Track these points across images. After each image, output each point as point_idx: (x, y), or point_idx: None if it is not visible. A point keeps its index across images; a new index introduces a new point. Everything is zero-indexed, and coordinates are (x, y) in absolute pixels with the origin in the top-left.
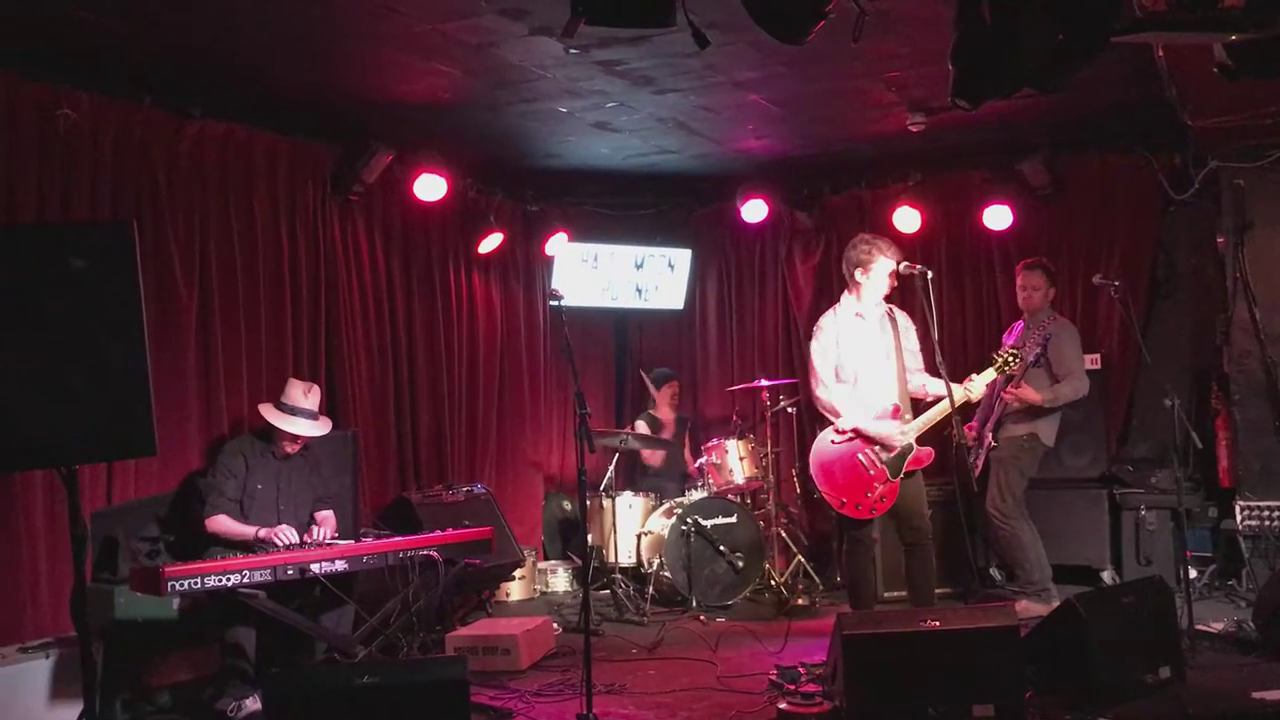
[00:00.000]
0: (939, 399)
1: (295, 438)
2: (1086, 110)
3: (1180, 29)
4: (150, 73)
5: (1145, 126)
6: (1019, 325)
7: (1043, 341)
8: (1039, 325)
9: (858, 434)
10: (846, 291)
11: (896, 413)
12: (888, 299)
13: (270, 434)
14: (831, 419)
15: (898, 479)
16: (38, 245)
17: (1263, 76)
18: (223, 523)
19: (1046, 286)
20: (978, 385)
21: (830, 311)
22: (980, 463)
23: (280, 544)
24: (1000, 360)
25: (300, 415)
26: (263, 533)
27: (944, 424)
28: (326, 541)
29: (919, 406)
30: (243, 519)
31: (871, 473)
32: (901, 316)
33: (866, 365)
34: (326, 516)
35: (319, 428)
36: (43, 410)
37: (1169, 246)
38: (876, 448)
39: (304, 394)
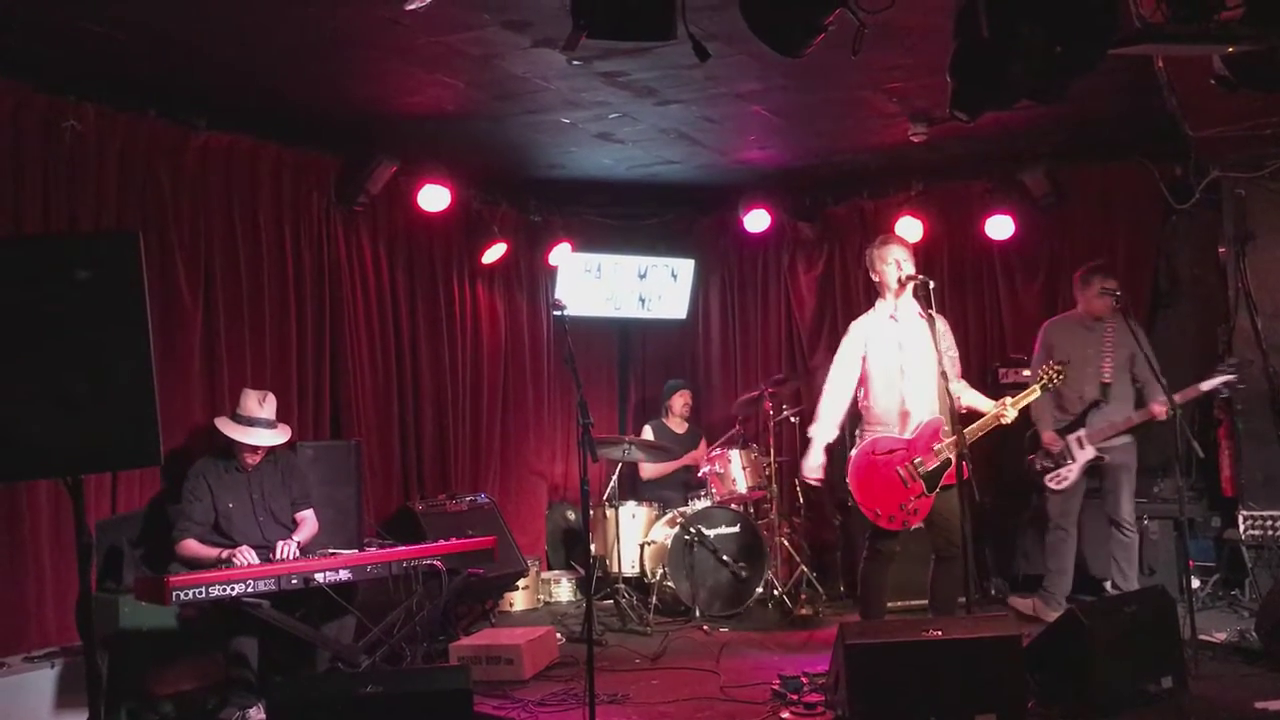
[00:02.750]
0: (971, 411)
1: (255, 449)
2: (1088, 120)
3: (1178, 41)
4: (156, 84)
5: (1146, 136)
6: (1041, 333)
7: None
8: (1118, 330)
9: (808, 443)
10: (878, 298)
11: (939, 426)
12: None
13: (231, 448)
14: (869, 428)
15: (934, 493)
16: (44, 256)
17: (1260, 89)
18: (190, 547)
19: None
20: (1012, 411)
21: (864, 315)
22: (1072, 475)
23: (239, 564)
24: (1045, 378)
25: (258, 425)
26: (224, 554)
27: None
28: (294, 556)
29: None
30: (225, 538)
31: (908, 486)
32: (941, 322)
33: (893, 372)
34: (306, 517)
35: (278, 436)
36: (48, 420)
37: (1171, 256)
38: (916, 460)
39: (259, 403)
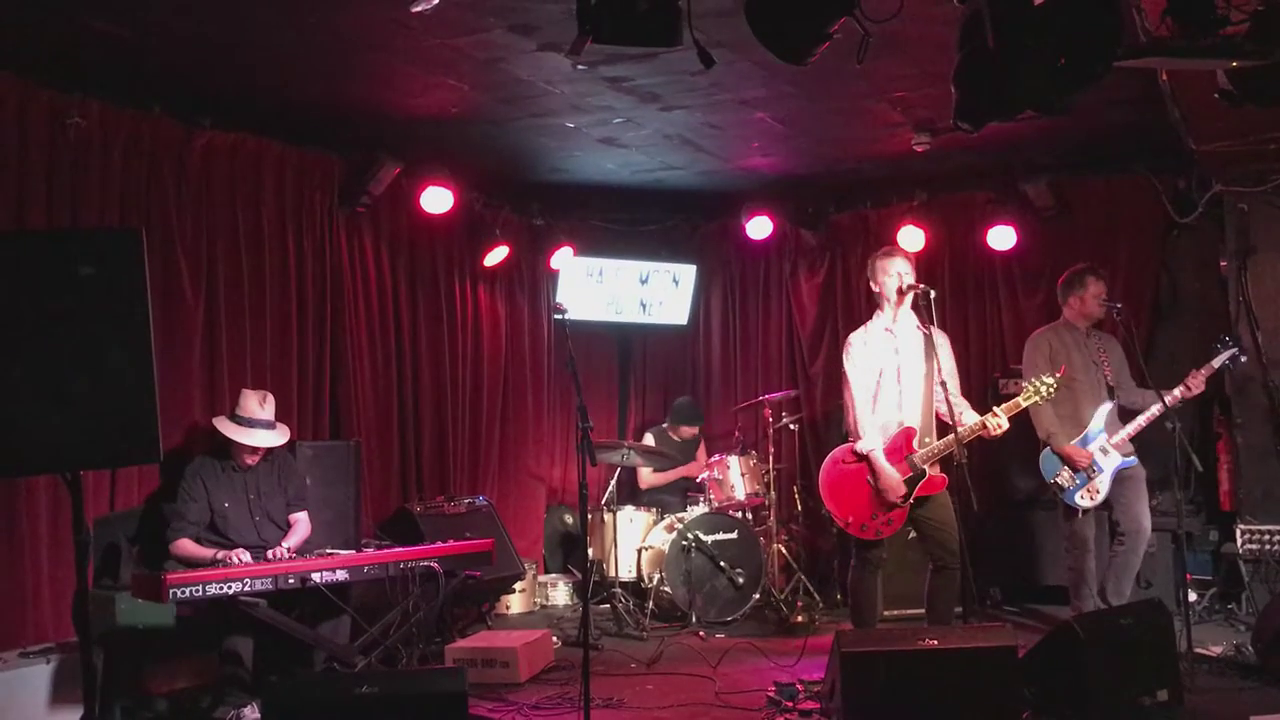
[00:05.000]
0: (967, 425)
1: (254, 450)
2: (1091, 132)
3: (1183, 55)
4: (160, 82)
5: (1149, 149)
6: (1034, 345)
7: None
8: (1100, 336)
9: (870, 462)
10: (877, 310)
11: (911, 435)
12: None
13: (227, 448)
14: (853, 433)
15: (906, 504)
16: (47, 252)
17: (1264, 104)
18: (185, 547)
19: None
20: (1002, 419)
21: (861, 328)
22: (1105, 486)
23: (234, 563)
24: (1032, 389)
25: (257, 426)
26: (220, 555)
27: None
28: (287, 553)
29: (947, 430)
30: (221, 537)
31: (880, 496)
32: (939, 336)
33: (889, 382)
34: (299, 519)
35: (277, 437)
36: (48, 416)
37: (1173, 269)
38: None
39: (259, 404)
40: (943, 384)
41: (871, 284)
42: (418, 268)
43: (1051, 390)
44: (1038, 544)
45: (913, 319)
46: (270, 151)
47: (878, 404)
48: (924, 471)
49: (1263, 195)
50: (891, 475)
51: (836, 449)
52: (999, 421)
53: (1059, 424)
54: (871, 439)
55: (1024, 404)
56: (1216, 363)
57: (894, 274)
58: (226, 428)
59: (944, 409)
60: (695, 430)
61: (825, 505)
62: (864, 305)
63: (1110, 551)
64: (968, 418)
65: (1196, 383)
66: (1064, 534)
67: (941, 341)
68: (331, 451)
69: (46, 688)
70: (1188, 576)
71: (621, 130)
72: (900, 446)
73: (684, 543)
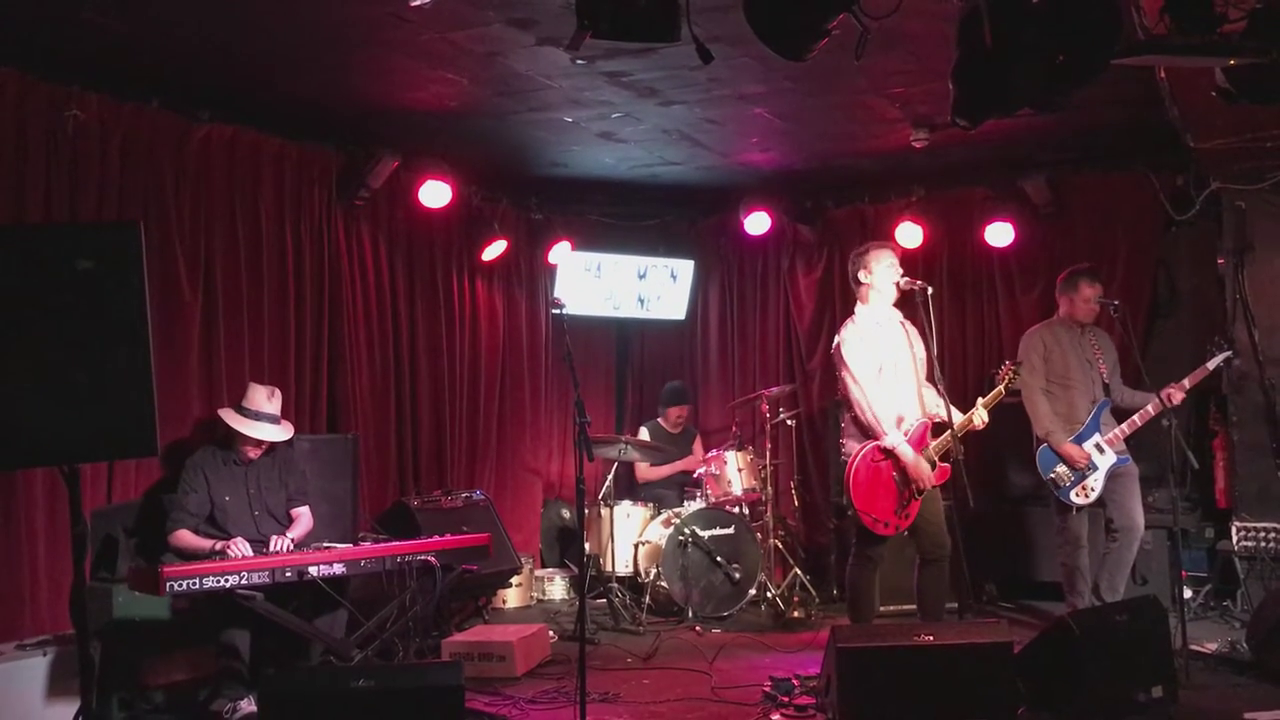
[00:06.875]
0: (946, 421)
1: (259, 443)
2: (1089, 129)
3: (1180, 53)
4: (158, 75)
5: (1148, 146)
6: (1029, 341)
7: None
8: (1097, 334)
9: (896, 455)
10: (859, 303)
11: (928, 429)
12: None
13: (230, 440)
14: (874, 429)
15: (922, 496)
16: (44, 245)
17: (1260, 101)
18: (184, 538)
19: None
20: (983, 413)
21: (850, 321)
22: (1099, 484)
23: (233, 555)
24: (1006, 379)
25: (263, 419)
26: (219, 545)
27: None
28: (287, 549)
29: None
30: (220, 530)
31: (903, 491)
32: (911, 328)
33: (887, 375)
34: (302, 513)
35: (282, 432)
36: (46, 409)
37: (1170, 266)
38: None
39: (267, 398)
40: (931, 378)
41: (861, 275)
42: (416, 262)
43: (1015, 377)
44: (1033, 540)
45: (896, 314)
46: (269, 145)
47: (872, 397)
48: (934, 463)
49: (1260, 193)
50: (921, 464)
51: (865, 448)
52: (981, 416)
53: (1057, 421)
54: (895, 434)
55: (1005, 391)
56: (1211, 364)
57: (887, 265)
58: (231, 418)
59: (934, 404)
60: (685, 412)
61: (853, 504)
62: None
63: (1104, 548)
64: (954, 414)
65: (1178, 395)
66: (1057, 530)
67: (916, 336)
68: (329, 445)
69: (43, 680)
70: (1183, 573)
71: (620, 125)
72: (919, 441)
73: (681, 538)
